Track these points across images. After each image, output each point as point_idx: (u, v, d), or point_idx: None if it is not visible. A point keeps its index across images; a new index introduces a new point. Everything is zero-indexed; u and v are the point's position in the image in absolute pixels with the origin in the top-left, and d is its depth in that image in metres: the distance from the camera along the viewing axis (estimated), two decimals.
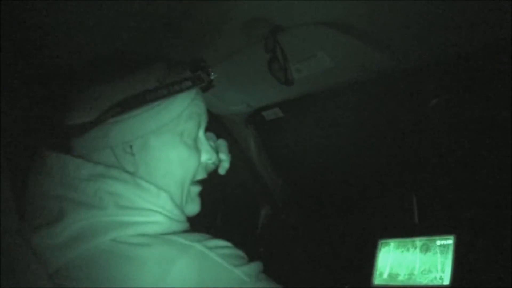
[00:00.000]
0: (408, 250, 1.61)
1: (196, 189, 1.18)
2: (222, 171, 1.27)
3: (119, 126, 1.02)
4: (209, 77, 1.13)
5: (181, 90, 1.07)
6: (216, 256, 0.97)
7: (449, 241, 1.52)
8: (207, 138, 1.20)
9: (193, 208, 1.18)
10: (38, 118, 1.09)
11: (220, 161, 1.25)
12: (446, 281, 1.45)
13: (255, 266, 1.03)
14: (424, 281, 1.51)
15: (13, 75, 1.03)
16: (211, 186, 1.23)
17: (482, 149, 1.57)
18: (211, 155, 1.18)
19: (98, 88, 1.03)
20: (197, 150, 1.14)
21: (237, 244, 1.06)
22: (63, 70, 1.08)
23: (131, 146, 1.04)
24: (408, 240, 1.64)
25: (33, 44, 1.01)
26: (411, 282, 1.54)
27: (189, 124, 1.11)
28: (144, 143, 1.05)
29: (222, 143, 1.28)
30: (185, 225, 1.10)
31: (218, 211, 1.95)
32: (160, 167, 1.07)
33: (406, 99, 1.61)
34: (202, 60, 1.15)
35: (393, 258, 1.64)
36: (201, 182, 1.19)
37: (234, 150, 1.98)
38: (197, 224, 1.15)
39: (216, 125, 1.89)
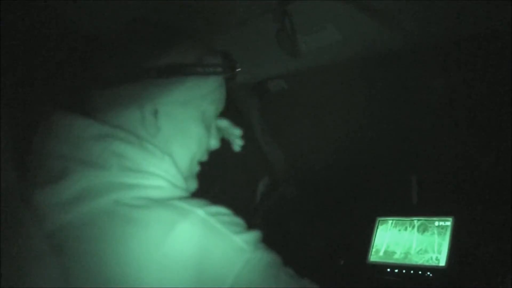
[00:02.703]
0: (405, 229, 1.61)
1: (197, 168, 1.22)
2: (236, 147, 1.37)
3: (154, 88, 1.04)
4: (235, 70, 1.18)
5: (213, 73, 1.11)
6: (217, 222, 0.97)
7: (448, 222, 1.53)
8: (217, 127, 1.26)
9: (193, 184, 1.21)
10: (48, 74, 1.09)
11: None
12: (442, 262, 1.46)
13: (255, 235, 1.03)
14: (420, 261, 1.51)
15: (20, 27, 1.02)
16: (211, 154, 1.25)
17: (484, 132, 1.56)
18: (216, 143, 1.24)
19: (141, 49, 1.06)
20: (209, 133, 1.19)
21: (235, 213, 1.06)
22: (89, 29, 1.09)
23: (156, 111, 1.05)
24: (406, 219, 1.64)
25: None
26: (407, 261, 1.54)
27: (211, 106, 1.15)
28: (170, 111, 1.07)
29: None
30: (187, 193, 1.10)
31: (217, 180, 1.95)
32: (179, 137, 1.10)
33: (411, 78, 1.61)
34: (230, 53, 1.19)
35: (390, 236, 1.64)
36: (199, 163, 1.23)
37: (236, 120, 1.98)
38: (197, 192, 1.17)
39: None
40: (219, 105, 1.19)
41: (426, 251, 1.52)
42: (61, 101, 1.04)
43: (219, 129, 1.29)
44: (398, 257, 1.57)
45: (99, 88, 1.03)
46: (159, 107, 1.05)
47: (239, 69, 1.20)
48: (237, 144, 1.37)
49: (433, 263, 1.48)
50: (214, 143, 1.23)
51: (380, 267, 1.60)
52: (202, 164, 1.23)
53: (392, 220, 1.68)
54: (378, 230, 1.69)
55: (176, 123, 1.08)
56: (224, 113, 1.28)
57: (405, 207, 1.72)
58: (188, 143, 1.12)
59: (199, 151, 1.16)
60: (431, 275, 1.47)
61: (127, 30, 1.10)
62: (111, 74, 1.03)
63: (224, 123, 1.32)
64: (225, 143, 1.30)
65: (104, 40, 1.08)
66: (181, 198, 1.02)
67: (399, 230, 1.63)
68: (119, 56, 1.05)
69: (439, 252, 1.49)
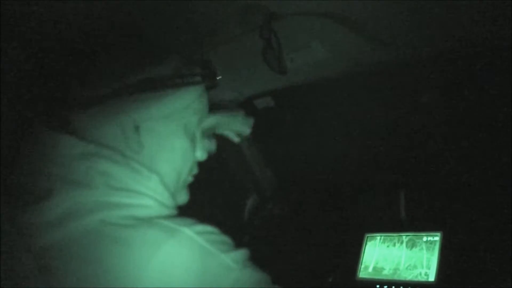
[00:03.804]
0: (394, 245, 1.61)
1: (189, 179, 1.22)
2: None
3: (132, 104, 1.04)
4: (215, 77, 1.20)
5: (193, 83, 1.12)
6: (204, 241, 0.97)
7: (436, 237, 1.53)
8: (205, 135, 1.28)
9: (184, 197, 1.21)
10: (34, 91, 1.08)
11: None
12: (431, 278, 1.45)
13: (242, 253, 1.04)
14: (409, 276, 1.51)
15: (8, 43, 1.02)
16: (198, 172, 1.25)
17: (471, 147, 1.57)
18: (203, 153, 1.24)
19: (117, 65, 1.05)
20: (194, 145, 1.19)
21: (222, 232, 1.06)
22: (71, 43, 1.08)
23: (138, 127, 1.04)
24: (394, 235, 1.64)
25: (43, 12, 0.99)
26: (396, 277, 1.54)
27: (193, 118, 1.15)
28: (152, 127, 1.07)
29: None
30: (174, 212, 1.11)
31: (204, 198, 1.94)
32: (162, 153, 1.10)
33: (398, 95, 1.61)
34: (209, 61, 1.22)
35: (379, 252, 1.64)
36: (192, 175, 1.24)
37: (223, 138, 1.98)
38: (184, 210, 1.16)
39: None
40: (202, 115, 1.19)
41: (415, 267, 1.52)
42: (46, 120, 1.04)
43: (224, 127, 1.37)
44: (387, 273, 1.57)
45: (80, 107, 1.03)
46: (140, 123, 1.05)
47: (219, 77, 1.21)
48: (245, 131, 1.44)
49: (422, 278, 1.48)
50: (200, 155, 1.23)
51: (369, 284, 1.59)
52: (189, 183, 1.23)
53: (381, 236, 1.67)
54: (367, 246, 1.68)
55: (159, 138, 1.08)
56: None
57: (393, 223, 1.72)
58: (173, 158, 1.11)
59: (185, 165, 1.16)
60: None
61: (103, 46, 1.09)
62: (89, 92, 1.03)
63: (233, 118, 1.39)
64: (213, 160, 1.29)
65: (82, 57, 1.07)
66: (168, 217, 1.02)
67: (388, 246, 1.62)
68: (96, 73, 1.05)
69: (428, 268, 1.48)
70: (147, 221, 0.97)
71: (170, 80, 1.07)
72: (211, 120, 1.37)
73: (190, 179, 1.22)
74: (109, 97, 1.02)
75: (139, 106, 1.04)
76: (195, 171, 1.23)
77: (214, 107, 1.61)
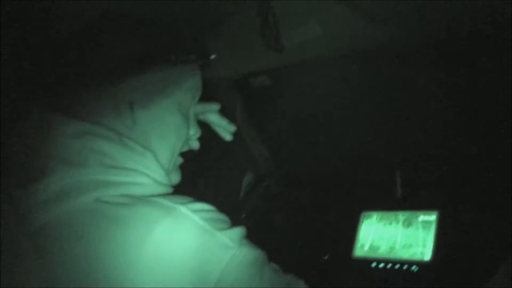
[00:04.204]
0: (390, 223, 1.62)
1: (180, 159, 1.21)
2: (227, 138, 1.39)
3: (125, 79, 1.03)
4: (208, 57, 1.22)
5: (187, 61, 1.12)
6: (200, 219, 0.97)
7: (432, 217, 1.53)
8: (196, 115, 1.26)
9: (176, 177, 1.20)
10: (27, 71, 1.08)
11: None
12: (427, 257, 1.46)
13: (239, 231, 1.03)
14: (405, 255, 1.51)
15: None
16: (195, 151, 1.25)
17: (468, 127, 1.57)
18: (196, 131, 1.23)
19: (111, 41, 1.05)
20: (188, 123, 1.17)
21: (219, 209, 1.06)
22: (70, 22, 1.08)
23: (132, 103, 1.04)
24: (391, 213, 1.64)
25: None
26: (392, 256, 1.54)
27: (187, 95, 1.14)
28: (145, 102, 1.06)
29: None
30: (169, 189, 1.10)
31: (201, 176, 1.95)
32: (156, 128, 1.08)
33: (396, 75, 1.60)
34: (201, 39, 1.26)
35: (375, 230, 1.64)
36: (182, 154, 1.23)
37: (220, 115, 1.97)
38: (180, 188, 1.16)
39: (203, 90, 1.88)
40: (196, 94, 1.18)
41: (411, 246, 1.52)
42: (39, 99, 1.03)
43: (208, 122, 1.32)
44: (383, 252, 1.57)
45: (74, 84, 1.02)
46: (134, 98, 1.04)
47: (213, 56, 1.20)
48: (227, 134, 1.38)
49: (418, 257, 1.48)
50: (193, 133, 1.22)
51: (365, 262, 1.60)
52: (186, 160, 1.22)
53: (377, 214, 1.68)
54: (363, 224, 1.69)
55: (152, 114, 1.07)
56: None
57: (390, 201, 1.72)
58: (166, 133, 1.10)
59: (179, 142, 1.15)
60: (416, 269, 1.47)
61: (97, 24, 1.08)
62: (83, 69, 1.02)
63: (212, 117, 1.32)
64: (209, 138, 1.29)
65: (75, 35, 1.06)
66: (163, 195, 1.02)
67: (384, 225, 1.63)
68: (91, 51, 1.04)
69: (424, 246, 1.49)
70: (143, 200, 0.96)
71: (165, 57, 1.07)
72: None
73: (181, 159, 1.21)
74: (103, 73, 1.01)
75: (134, 82, 1.04)
76: (185, 148, 1.22)
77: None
